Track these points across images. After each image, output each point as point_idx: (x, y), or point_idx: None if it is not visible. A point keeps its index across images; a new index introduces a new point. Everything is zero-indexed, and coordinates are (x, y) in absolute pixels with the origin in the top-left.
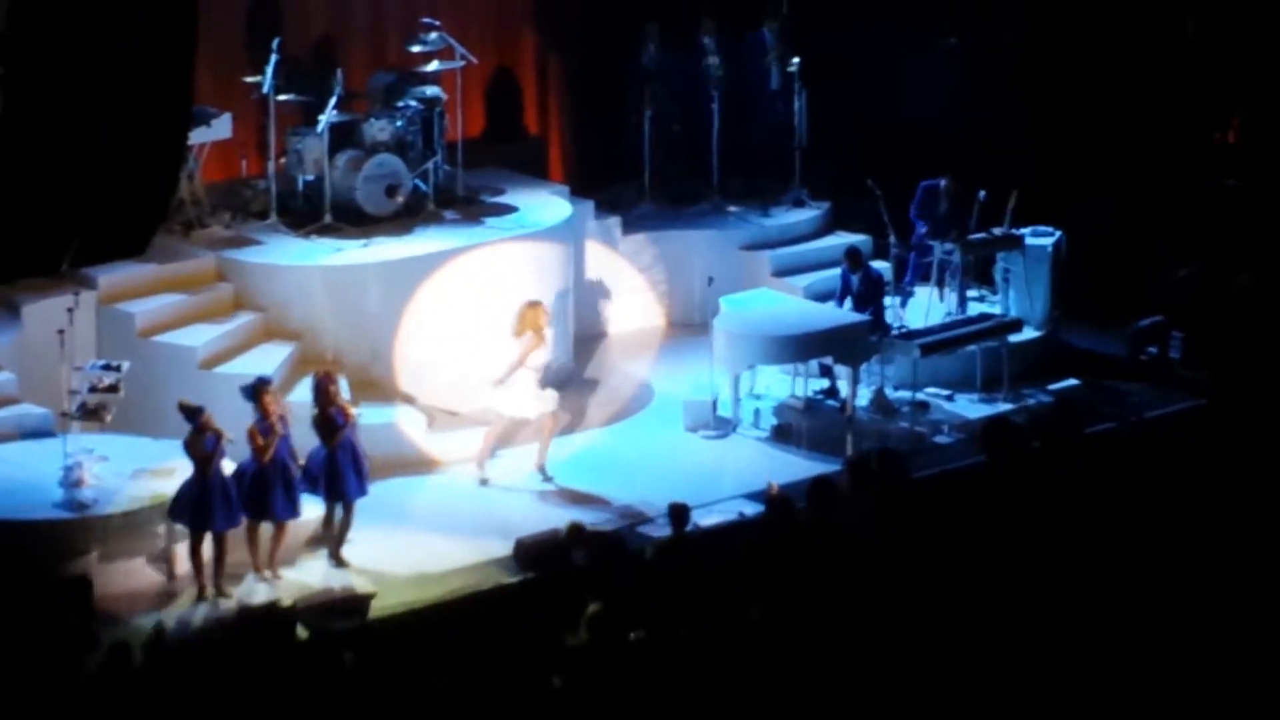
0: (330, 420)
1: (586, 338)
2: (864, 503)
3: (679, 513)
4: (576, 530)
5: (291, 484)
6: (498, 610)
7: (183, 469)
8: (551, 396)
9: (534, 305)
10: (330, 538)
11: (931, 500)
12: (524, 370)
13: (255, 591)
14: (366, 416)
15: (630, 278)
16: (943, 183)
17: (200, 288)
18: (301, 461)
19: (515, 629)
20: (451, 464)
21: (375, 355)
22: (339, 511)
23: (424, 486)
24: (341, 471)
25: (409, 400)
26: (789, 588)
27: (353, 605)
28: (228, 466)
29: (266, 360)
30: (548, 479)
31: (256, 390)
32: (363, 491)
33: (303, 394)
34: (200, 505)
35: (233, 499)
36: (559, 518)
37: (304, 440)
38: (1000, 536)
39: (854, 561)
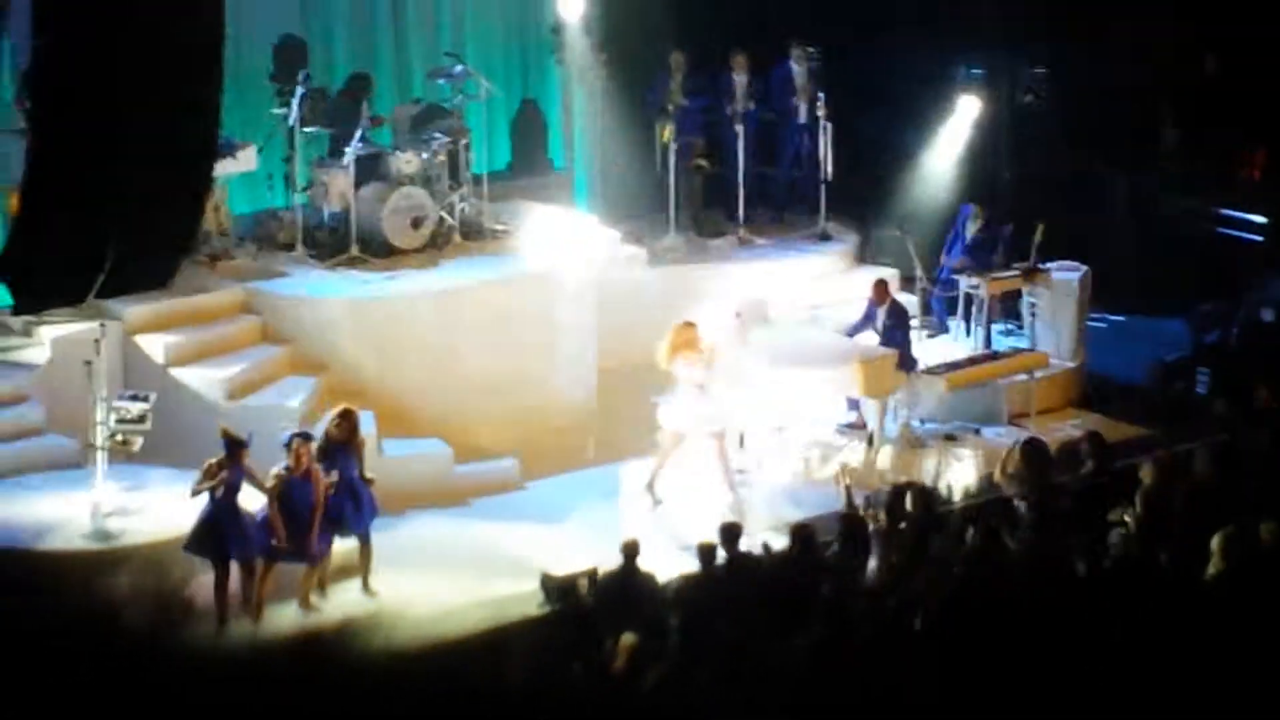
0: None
1: (615, 371)
2: (896, 538)
3: (730, 532)
4: (632, 547)
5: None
6: (525, 643)
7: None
8: (713, 416)
9: (687, 325)
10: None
11: (963, 533)
12: (685, 387)
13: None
14: (391, 449)
15: (657, 310)
16: (970, 208)
17: (226, 319)
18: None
19: (543, 661)
20: (477, 497)
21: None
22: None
23: (451, 519)
24: (339, 506)
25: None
26: (822, 621)
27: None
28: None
29: (292, 392)
30: (657, 500)
31: (291, 442)
32: (359, 525)
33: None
34: (220, 536)
35: (248, 531)
36: (581, 551)
37: None
38: (1037, 571)
39: (885, 598)
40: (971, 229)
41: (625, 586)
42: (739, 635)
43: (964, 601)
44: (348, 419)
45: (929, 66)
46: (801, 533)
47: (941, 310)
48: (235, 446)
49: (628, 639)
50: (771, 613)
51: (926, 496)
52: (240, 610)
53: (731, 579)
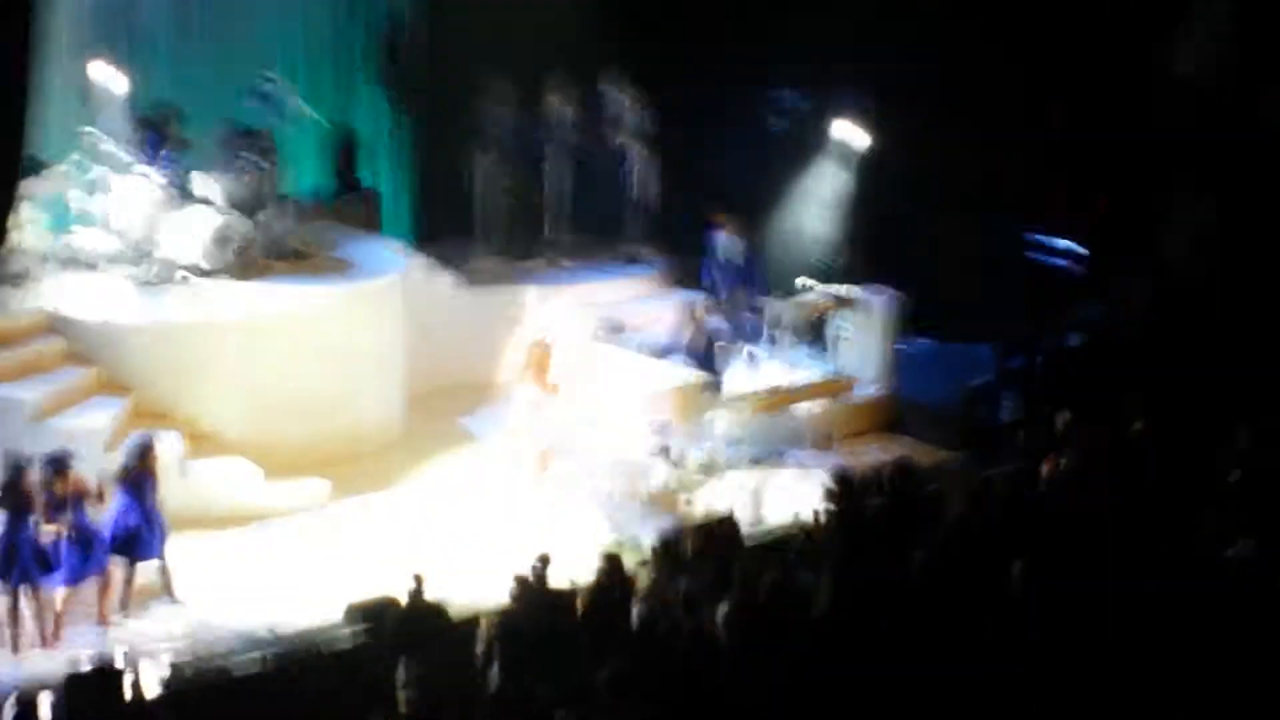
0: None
1: (424, 393)
2: (700, 564)
3: (543, 561)
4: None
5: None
6: (326, 673)
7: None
8: (540, 436)
9: (540, 344)
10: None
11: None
12: (524, 404)
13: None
14: (197, 469)
15: (466, 332)
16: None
17: (31, 340)
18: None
19: (343, 692)
20: (286, 516)
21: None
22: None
23: (256, 541)
24: (137, 534)
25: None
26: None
27: None
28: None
29: (99, 413)
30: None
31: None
32: (155, 550)
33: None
34: (15, 560)
35: (48, 554)
36: (389, 577)
37: None
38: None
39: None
40: (721, 248)
41: (413, 619)
42: (551, 665)
43: (768, 628)
44: (152, 449)
45: (749, 95)
46: (611, 558)
47: (747, 333)
48: (18, 471)
49: (415, 669)
50: (582, 641)
51: (730, 522)
52: (36, 634)
53: (544, 608)
